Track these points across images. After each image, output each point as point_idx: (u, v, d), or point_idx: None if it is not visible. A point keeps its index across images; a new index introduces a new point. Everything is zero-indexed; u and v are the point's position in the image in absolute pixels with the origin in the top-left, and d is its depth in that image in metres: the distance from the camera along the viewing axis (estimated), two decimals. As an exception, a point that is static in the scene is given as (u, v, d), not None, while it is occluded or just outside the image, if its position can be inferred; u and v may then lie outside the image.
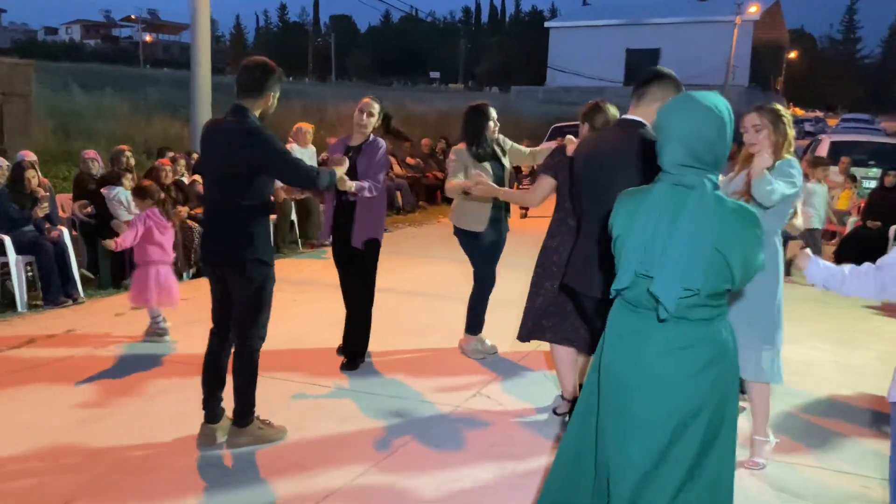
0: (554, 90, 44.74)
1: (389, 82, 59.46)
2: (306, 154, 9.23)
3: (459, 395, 4.57)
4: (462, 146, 4.97)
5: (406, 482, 3.49)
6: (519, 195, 4.52)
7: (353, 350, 5.06)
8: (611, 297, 2.23)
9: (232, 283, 3.70)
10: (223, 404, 3.86)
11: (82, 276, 6.88)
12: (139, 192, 5.67)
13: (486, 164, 4.91)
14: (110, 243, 5.50)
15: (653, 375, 2.15)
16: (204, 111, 10.51)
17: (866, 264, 2.56)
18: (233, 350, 3.80)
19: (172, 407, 4.30)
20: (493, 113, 4.98)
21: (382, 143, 4.89)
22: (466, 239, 5.12)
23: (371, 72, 72.17)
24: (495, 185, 4.50)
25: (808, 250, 2.53)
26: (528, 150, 5.36)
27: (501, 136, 5.12)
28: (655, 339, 2.15)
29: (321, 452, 3.78)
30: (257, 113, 3.67)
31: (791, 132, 3.60)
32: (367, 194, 4.69)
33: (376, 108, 4.85)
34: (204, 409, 3.83)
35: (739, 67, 41.38)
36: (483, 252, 5.14)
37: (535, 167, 5.02)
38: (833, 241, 9.82)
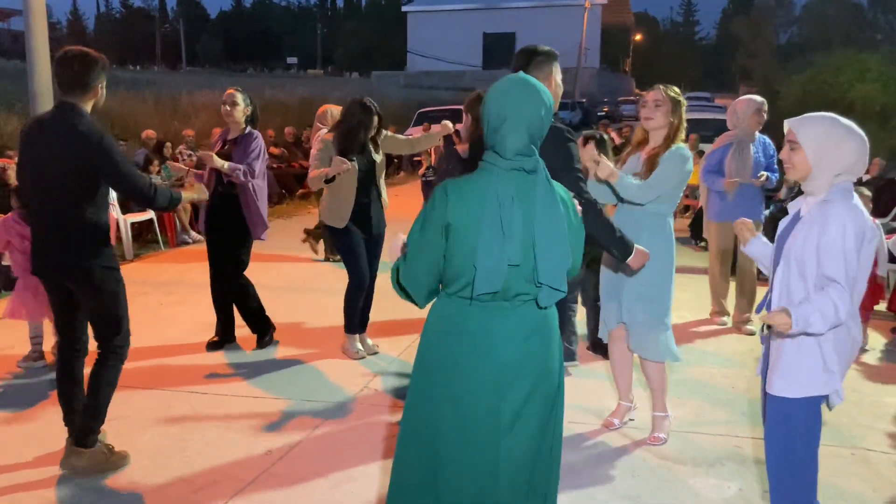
0: (415, 75, 44.88)
1: (244, 69, 57.55)
2: None
3: (345, 392, 4.48)
4: (329, 136, 4.81)
5: (299, 487, 3.37)
6: None
7: (254, 329, 5.23)
8: (476, 294, 2.07)
9: (79, 293, 3.44)
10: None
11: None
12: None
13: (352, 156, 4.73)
14: None
15: (506, 365, 2.14)
16: (45, 104, 9.64)
17: None
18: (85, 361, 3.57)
19: (35, 427, 3.96)
20: (376, 109, 4.82)
21: (257, 133, 4.95)
22: (331, 234, 4.99)
23: (224, 58, 69.59)
24: None
25: (751, 223, 2.58)
26: (404, 138, 5.27)
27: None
28: (501, 327, 2.14)
29: (206, 463, 3.58)
30: (88, 109, 3.36)
31: (684, 120, 3.67)
32: (241, 177, 4.74)
33: (240, 97, 4.89)
34: (67, 425, 3.57)
35: (591, 50, 43.04)
36: (345, 248, 4.95)
37: (432, 161, 4.87)
38: (688, 214, 10.41)
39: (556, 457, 2.31)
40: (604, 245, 3.18)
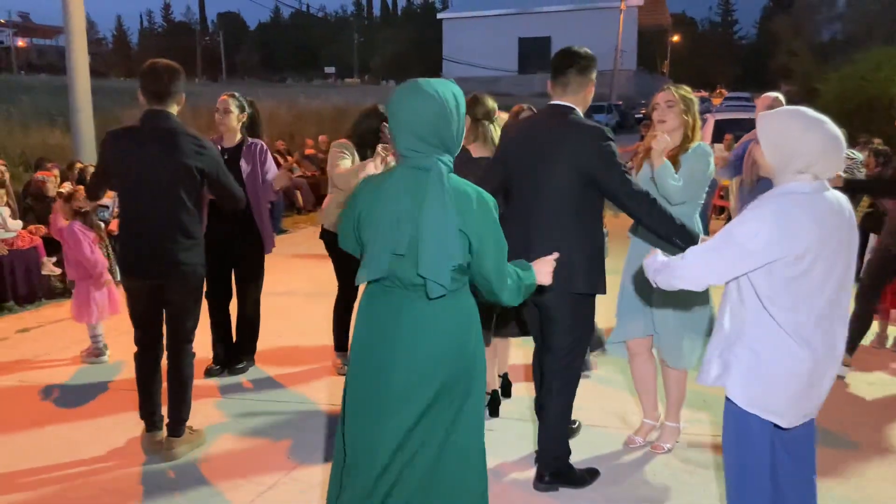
0: (450, 81, 44.97)
1: (283, 79, 58.35)
2: None
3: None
4: (345, 140, 4.72)
5: (319, 490, 3.39)
6: None
7: (244, 350, 5.00)
8: (359, 282, 2.26)
9: (173, 291, 3.64)
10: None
11: (-41, 301, 6.42)
12: (68, 201, 5.29)
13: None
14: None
15: (410, 350, 2.22)
16: (85, 118, 10.00)
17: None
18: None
19: (65, 432, 4.07)
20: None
21: (262, 143, 4.80)
22: (331, 240, 4.68)
23: (263, 69, 70.63)
24: None
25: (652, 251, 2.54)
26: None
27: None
28: (409, 314, 2.23)
29: (227, 466, 3.65)
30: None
31: (699, 117, 3.61)
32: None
33: (233, 104, 4.67)
34: (146, 418, 3.77)
35: (627, 52, 42.76)
36: (344, 257, 4.74)
37: None
38: (722, 216, 10.26)
39: (458, 452, 2.29)
40: (664, 236, 3.13)
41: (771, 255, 2.24)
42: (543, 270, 2.48)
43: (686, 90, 3.60)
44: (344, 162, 4.60)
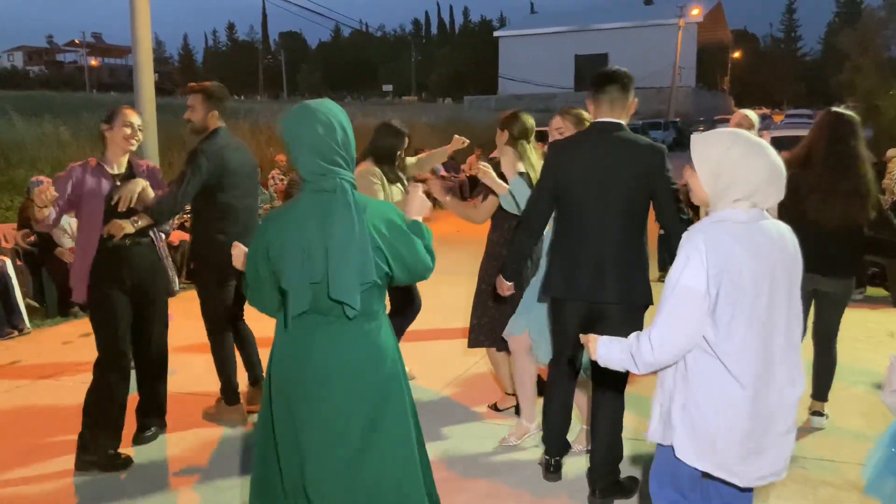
0: (506, 98, 45.18)
1: (342, 97, 59.45)
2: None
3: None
4: (368, 164, 4.36)
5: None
6: (464, 208, 4.26)
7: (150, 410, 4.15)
8: (291, 318, 2.19)
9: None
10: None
11: (27, 306, 6.76)
12: None
13: (395, 187, 4.42)
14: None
15: (320, 376, 2.21)
16: (149, 133, 10.37)
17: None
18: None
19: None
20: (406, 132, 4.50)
21: (150, 162, 4.08)
22: None
23: (323, 87, 72.08)
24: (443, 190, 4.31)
25: (591, 336, 2.33)
26: (414, 159, 4.80)
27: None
28: (320, 340, 2.22)
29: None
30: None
31: None
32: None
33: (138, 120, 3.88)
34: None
35: (686, 69, 42.24)
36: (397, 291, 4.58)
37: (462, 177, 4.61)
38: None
39: (391, 465, 2.28)
40: None
41: (714, 288, 2.05)
42: (416, 197, 2.47)
43: (578, 112, 3.65)
44: (380, 194, 4.26)
